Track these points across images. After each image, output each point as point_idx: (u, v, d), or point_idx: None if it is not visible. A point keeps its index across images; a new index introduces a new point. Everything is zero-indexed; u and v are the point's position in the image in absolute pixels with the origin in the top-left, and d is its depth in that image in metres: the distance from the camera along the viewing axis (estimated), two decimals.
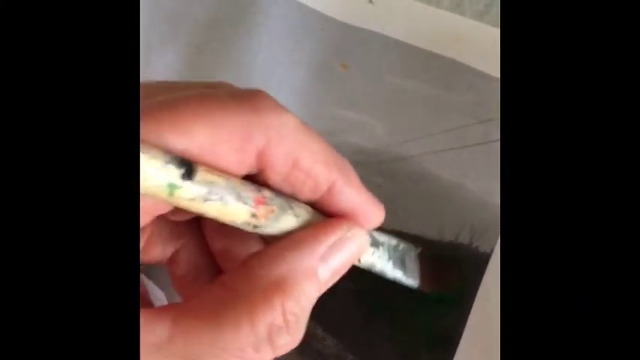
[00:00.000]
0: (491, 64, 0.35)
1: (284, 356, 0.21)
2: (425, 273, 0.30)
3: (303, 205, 0.22)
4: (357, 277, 0.35)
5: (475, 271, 0.33)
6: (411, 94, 0.37)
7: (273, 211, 0.21)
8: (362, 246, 0.23)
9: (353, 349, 0.34)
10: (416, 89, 0.37)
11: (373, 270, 0.28)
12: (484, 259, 0.33)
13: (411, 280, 0.29)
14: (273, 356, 0.20)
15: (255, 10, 0.39)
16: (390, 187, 0.36)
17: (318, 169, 0.21)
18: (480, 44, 0.36)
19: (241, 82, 0.41)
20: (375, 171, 0.36)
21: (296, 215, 0.21)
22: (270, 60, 0.38)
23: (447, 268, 0.34)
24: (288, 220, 0.21)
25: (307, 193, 0.21)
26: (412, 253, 0.30)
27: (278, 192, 0.22)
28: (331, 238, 0.21)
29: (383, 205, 0.24)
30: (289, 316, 0.20)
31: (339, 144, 0.36)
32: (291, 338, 0.20)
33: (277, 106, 0.20)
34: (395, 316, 0.34)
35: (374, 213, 0.23)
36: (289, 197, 0.22)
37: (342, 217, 0.22)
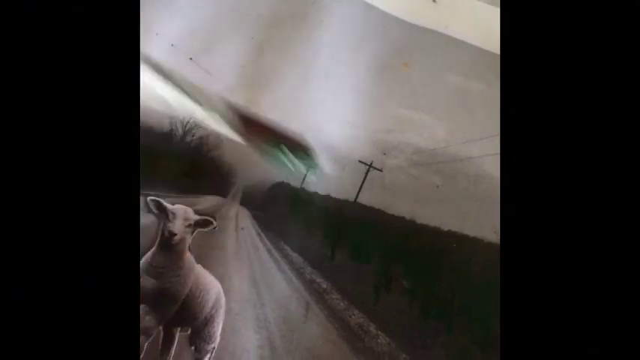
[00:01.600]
0: None
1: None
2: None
3: None
4: (412, 276, 0.35)
5: None
6: (472, 94, 0.36)
7: None
8: None
9: (406, 349, 0.34)
10: (477, 90, 0.36)
11: None
12: None
13: None
14: None
15: (318, 7, 0.39)
16: (449, 188, 0.36)
17: None
18: None
19: (302, 79, 0.41)
20: (434, 171, 0.36)
21: None
22: (332, 58, 0.39)
23: None
24: None
25: None
26: None
27: None
28: None
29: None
30: None
31: (398, 143, 0.36)
32: None
33: None
34: (450, 316, 0.34)
35: None
36: None
37: None
